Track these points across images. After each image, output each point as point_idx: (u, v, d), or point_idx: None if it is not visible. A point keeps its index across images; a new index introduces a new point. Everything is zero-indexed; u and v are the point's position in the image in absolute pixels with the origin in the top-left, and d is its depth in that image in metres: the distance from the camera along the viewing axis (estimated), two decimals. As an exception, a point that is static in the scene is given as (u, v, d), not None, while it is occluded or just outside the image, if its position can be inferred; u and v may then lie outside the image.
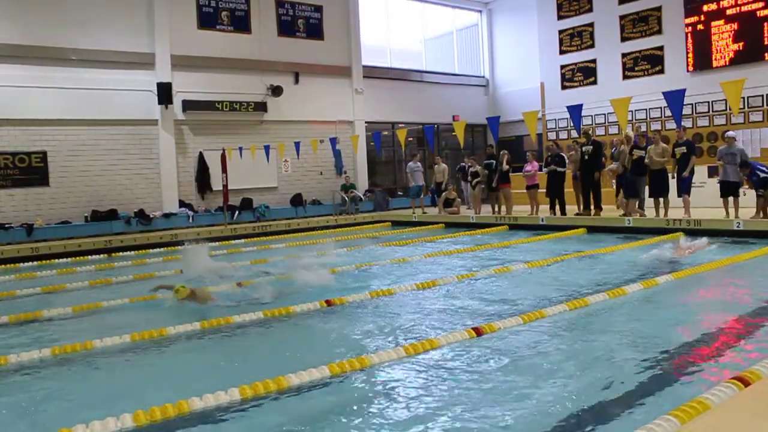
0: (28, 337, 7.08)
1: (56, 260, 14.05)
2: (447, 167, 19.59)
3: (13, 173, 16.79)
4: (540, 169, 16.95)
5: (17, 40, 16.76)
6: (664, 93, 11.85)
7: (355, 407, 4.60)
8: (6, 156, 16.68)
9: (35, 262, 13.85)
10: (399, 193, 24.35)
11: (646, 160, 13.81)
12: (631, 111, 18.75)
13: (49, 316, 8.13)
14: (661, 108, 19.89)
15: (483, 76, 27.95)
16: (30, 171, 17.02)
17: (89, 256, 14.46)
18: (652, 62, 21.05)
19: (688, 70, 19.94)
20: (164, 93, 18.48)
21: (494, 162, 17.25)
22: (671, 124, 18.54)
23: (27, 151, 16.98)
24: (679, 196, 13.85)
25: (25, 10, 16.97)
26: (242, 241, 16.54)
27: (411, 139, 24.88)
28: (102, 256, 14.60)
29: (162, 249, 15.39)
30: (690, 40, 19.91)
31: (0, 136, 16.64)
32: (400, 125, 23.06)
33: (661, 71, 20.77)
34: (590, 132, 16.60)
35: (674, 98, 11.52)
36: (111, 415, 4.31)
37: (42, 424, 4.27)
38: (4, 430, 4.36)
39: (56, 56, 17.29)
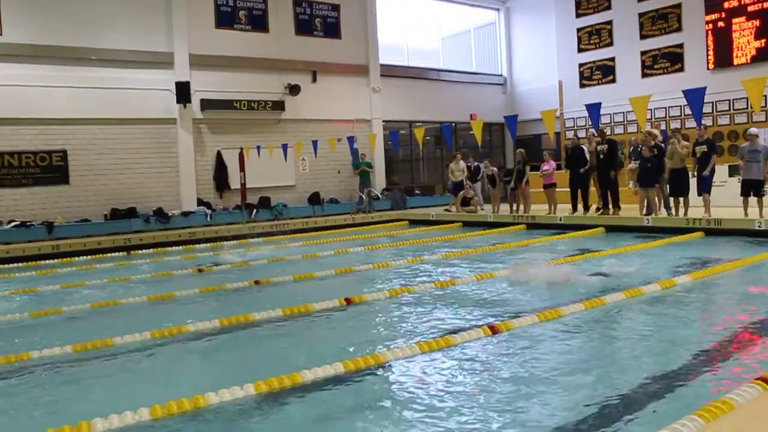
0: (49, 334, 7.16)
1: (76, 258, 14.18)
2: (466, 166, 19.50)
3: (34, 172, 16.97)
4: (558, 168, 16.84)
5: (38, 40, 16.93)
6: (684, 91, 11.73)
7: (370, 404, 4.61)
8: (27, 155, 16.86)
9: (56, 260, 13.97)
10: (416, 191, 24.32)
11: (668, 157, 13.69)
12: (650, 109, 18.60)
13: (69, 313, 8.22)
14: (680, 106, 19.72)
15: (501, 75, 27.86)
16: (50, 170, 17.20)
17: (108, 254, 14.58)
18: (672, 60, 20.88)
19: (708, 68, 19.76)
20: (182, 92, 18.58)
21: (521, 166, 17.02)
22: (691, 123, 18.37)
23: (48, 150, 17.16)
24: (699, 195, 13.72)
25: (45, 11, 17.13)
26: (260, 239, 16.60)
27: (429, 138, 24.84)
28: (121, 254, 14.72)
29: (180, 247, 15.48)
30: (710, 37, 19.72)
31: (21, 135, 16.83)
32: (417, 124, 23.04)
33: (681, 69, 20.60)
34: (606, 131, 16.47)
35: (694, 96, 11.41)
36: (128, 410, 4.35)
37: (63, 418, 4.31)
38: (26, 424, 4.40)
39: (76, 56, 17.45)
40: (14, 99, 16.55)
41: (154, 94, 18.62)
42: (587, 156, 15.66)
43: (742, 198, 13.05)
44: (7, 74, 16.50)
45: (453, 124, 21.05)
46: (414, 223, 19.09)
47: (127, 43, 18.23)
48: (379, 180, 22.99)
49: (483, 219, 17.58)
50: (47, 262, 13.81)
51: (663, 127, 19.44)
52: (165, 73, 18.82)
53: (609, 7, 22.54)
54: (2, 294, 9.97)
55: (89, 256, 14.33)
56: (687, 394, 4.45)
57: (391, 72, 23.97)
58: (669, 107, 20.45)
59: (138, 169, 18.50)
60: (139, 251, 14.93)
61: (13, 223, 16.15)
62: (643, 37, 21.64)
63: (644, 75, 21.59)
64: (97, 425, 4.19)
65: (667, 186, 14.09)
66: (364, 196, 20.78)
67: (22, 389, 5.34)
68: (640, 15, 21.63)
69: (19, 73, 16.67)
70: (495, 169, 18.49)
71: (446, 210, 19.45)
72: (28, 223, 16.26)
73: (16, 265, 13.47)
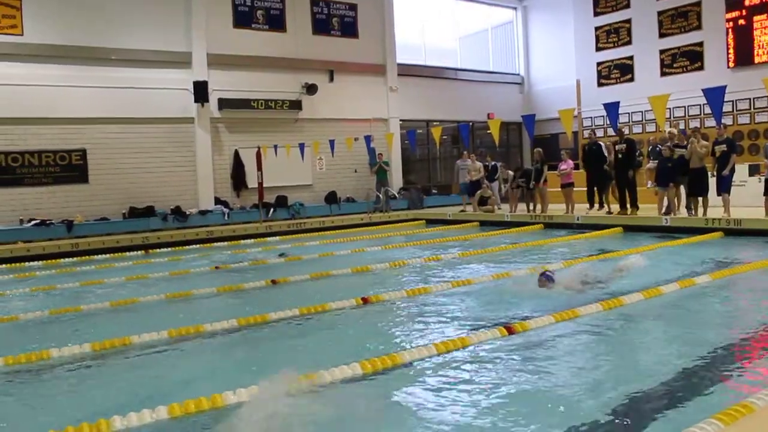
0: (68, 331, 7.23)
1: (95, 256, 14.30)
2: (482, 165, 19.43)
3: (54, 171, 17.14)
4: (575, 168, 16.75)
5: (58, 40, 17.11)
6: (703, 90, 11.62)
7: (387, 405, 4.61)
8: (48, 154, 17.03)
9: (75, 258, 14.11)
10: (433, 191, 24.28)
11: (688, 157, 13.57)
12: (669, 108, 18.43)
13: (87, 311, 8.29)
14: (700, 105, 19.55)
15: (518, 74, 27.76)
16: (70, 168, 17.36)
17: (127, 253, 14.68)
18: (691, 58, 20.70)
19: (728, 66, 19.57)
20: (200, 91, 18.68)
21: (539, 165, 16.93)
22: (711, 122, 18.20)
23: (67, 149, 17.32)
24: (719, 194, 13.58)
25: (65, 12, 17.29)
26: (277, 238, 16.65)
27: (446, 137, 24.80)
28: (139, 252, 14.82)
29: (198, 246, 15.56)
30: (731, 35, 19.53)
31: (42, 134, 16.99)
32: (434, 123, 23.03)
33: (701, 68, 20.42)
34: (624, 130, 16.33)
35: (714, 95, 11.29)
36: (147, 408, 4.38)
37: (82, 415, 4.35)
38: (46, 421, 4.44)
39: (96, 56, 17.60)
40: (35, 99, 16.71)
41: (172, 94, 18.73)
42: (605, 152, 15.55)
43: (765, 198, 12.88)
44: (28, 74, 16.68)
45: (470, 124, 20.99)
46: (431, 222, 19.06)
47: (146, 43, 18.36)
48: (395, 179, 22.99)
49: (500, 218, 17.52)
50: (66, 260, 13.93)
51: (682, 126, 19.28)
52: (183, 72, 18.93)
53: (628, 6, 22.39)
54: (23, 292, 10.07)
55: (108, 255, 14.45)
56: (706, 397, 4.41)
57: (408, 71, 23.96)
58: (688, 106, 20.28)
59: (156, 168, 18.62)
60: (157, 250, 15.02)
61: (34, 222, 16.32)
62: (662, 35, 21.47)
63: (663, 74, 21.42)
64: (116, 423, 4.23)
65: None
66: (381, 196, 20.78)
67: (41, 387, 5.40)
68: (659, 13, 21.47)
69: (40, 73, 16.84)
70: (510, 172, 18.42)
71: (462, 210, 19.39)
72: (48, 222, 16.42)
73: (36, 263, 13.61)
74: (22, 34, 16.68)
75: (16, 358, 6.02)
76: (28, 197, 16.82)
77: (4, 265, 13.33)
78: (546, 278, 8.00)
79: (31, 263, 13.57)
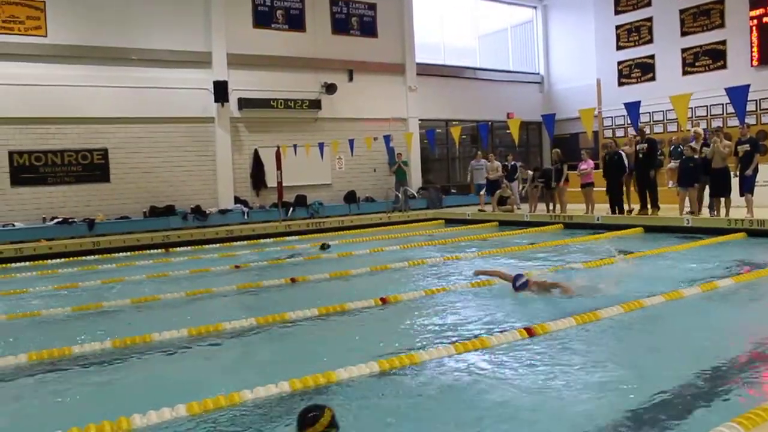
0: (90, 328, 7.28)
1: (116, 254, 14.42)
2: (500, 165, 19.36)
3: (76, 170, 17.33)
4: (595, 168, 16.64)
5: (80, 41, 17.29)
6: (726, 89, 11.49)
7: (405, 404, 4.60)
8: (70, 153, 17.22)
9: (96, 256, 14.24)
10: (452, 190, 24.22)
11: (710, 156, 13.43)
12: (691, 108, 18.24)
13: (109, 308, 8.36)
14: (722, 104, 19.33)
15: (538, 73, 27.64)
16: (92, 167, 17.54)
17: (147, 251, 14.79)
18: (714, 57, 20.48)
19: (752, 65, 19.35)
20: (220, 91, 18.79)
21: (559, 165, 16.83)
22: (734, 121, 18.00)
23: (89, 149, 17.50)
24: (742, 195, 13.43)
25: (87, 13, 17.47)
26: (296, 237, 16.69)
27: (465, 136, 24.73)
28: (159, 250, 14.92)
29: (217, 245, 15.63)
30: (755, 33, 19.29)
31: (65, 134, 17.18)
32: (454, 123, 22.99)
33: (724, 66, 20.20)
34: (645, 130, 16.19)
35: (737, 94, 11.15)
36: (166, 406, 4.41)
37: (102, 413, 4.39)
38: (67, 418, 4.48)
39: (117, 56, 17.76)
40: (57, 99, 16.91)
41: (192, 93, 18.85)
42: (626, 162, 15.34)
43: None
44: (51, 74, 16.88)
45: (489, 123, 20.93)
46: (450, 222, 19.01)
47: (167, 43, 18.50)
48: (415, 179, 22.97)
49: (519, 218, 17.44)
50: (88, 258, 14.07)
51: (703, 125, 19.08)
52: (203, 72, 19.05)
53: (649, 4, 22.20)
54: (45, 289, 10.18)
55: (128, 253, 14.56)
56: (727, 400, 4.36)
57: (427, 71, 23.93)
58: (710, 105, 20.07)
59: (176, 168, 18.76)
60: (177, 248, 15.12)
61: (56, 220, 16.52)
62: (684, 33, 21.26)
63: (685, 72, 21.21)
64: (136, 420, 4.26)
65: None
66: (400, 195, 20.77)
67: (63, 383, 5.44)
68: (681, 11, 21.26)
69: (62, 73, 17.03)
70: (530, 172, 18.34)
71: (480, 210, 19.32)
72: (70, 220, 16.60)
73: (58, 260, 13.74)
74: (45, 35, 16.89)
75: (39, 354, 6.09)
76: (51, 196, 17.02)
77: (27, 263, 13.49)
78: (520, 287, 7.69)
79: (54, 261, 13.70)
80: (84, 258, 14.03)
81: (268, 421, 4.36)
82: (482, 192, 19.52)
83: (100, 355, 6.17)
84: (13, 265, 13.34)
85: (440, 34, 25.35)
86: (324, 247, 13.43)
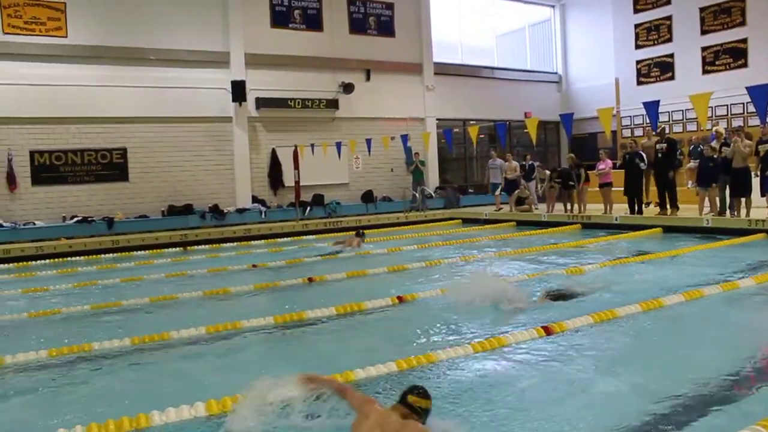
0: (109, 326, 7.35)
1: (135, 253, 14.53)
2: (518, 165, 19.26)
3: (96, 169, 17.47)
4: (614, 167, 16.52)
5: (100, 41, 17.43)
6: (747, 88, 11.36)
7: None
8: (90, 153, 17.37)
9: (115, 254, 14.36)
10: (470, 190, 24.16)
11: (730, 156, 13.29)
12: (711, 107, 18.08)
13: (127, 306, 8.42)
14: (743, 104, 19.14)
15: (556, 72, 27.51)
16: (111, 167, 17.68)
17: (165, 250, 14.89)
18: (735, 56, 20.28)
19: (773, 63, 19.13)
20: (238, 91, 18.87)
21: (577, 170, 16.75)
22: (755, 121, 17.82)
23: (109, 148, 17.64)
24: (763, 195, 13.29)
25: (107, 14, 17.60)
26: (313, 237, 16.72)
27: (482, 136, 24.66)
28: (178, 249, 15.01)
29: (235, 243, 15.70)
30: (777, 31, 19.09)
31: (85, 133, 17.33)
32: (471, 122, 22.93)
33: (745, 65, 20.00)
34: (665, 129, 16.05)
35: (759, 93, 11.01)
36: (185, 403, 4.44)
37: (121, 410, 4.43)
38: (86, 415, 4.52)
39: (136, 56, 17.89)
40: (77, 98, 17.05)
41: (210, 93, 18.94)
42: (644, 165, 15.16)
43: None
44: (71, 74, 17.03)
45: (507, 123, 20.86)
46: (467, 221, 18.96)
47: (185, 43, 18.60)
48: (432, 178, 22.94)
49: (537, 218, 17.37)
50: (107, 256, 14.20)
51: (723, 125, 18.90)
52: (221, 72, 19.13)
53: (668, 2, 22.02)
54: (65, 287, 10.28)
55: (147, 252, 14.67)
56: (748, 404, 4.32)
57: (444, 70, 23.88)
58: (731, 105, 19.88)
59: (194, 167, 18.85)
60: (195, 247, 15.21)
61: (76, 219, 16.66)
62: (704, 32, 21.08)
63: (705, 71, 21.02)
64: (155, 417, 4.29)
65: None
66: (417, 195, 20.75)
67: (82, 380, 5.50)
68: (701, 9, 21.07)
69: (83, 73, 17.18)
70: (547, 172, 18.26)
71: (496, 209, 19.24)
72: (90, 219, 16.74)
73: (78, 258, 13.87)
74: (66, 36, 17.04)
75: (59, 350, 6.16)
76: (71, 195, 17.17)
77: (47, 261, 13.63)
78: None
79: (74, 259, 13.84)
80: (103, 256, 14.16)
81: (286, 420, 4.37)
82: (497, 192, 19.43)
83: (119, 351, 6.22)
84: (34, 263, 13.49)
85: (458, 34, 25.30)
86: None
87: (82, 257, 14.03)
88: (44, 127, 16.84)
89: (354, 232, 14.38)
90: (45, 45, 16.78)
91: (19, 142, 16.56)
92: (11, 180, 16.33)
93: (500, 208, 19.22)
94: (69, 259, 13.86)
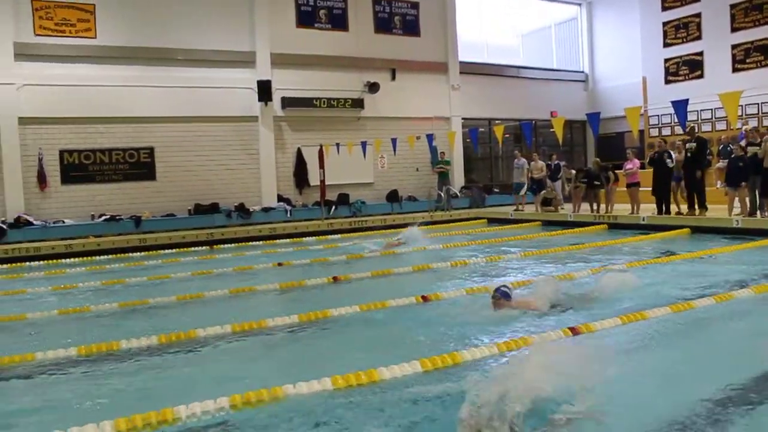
0: (136, 324, 7.42)
1: (162, 251, 14.68)
2: (544, 164, 19.12)
3: (123, 168, 17.68)
4: (642, 167, 16.34)
5: (128, 42, 17.63)
6: (778, 86, 11.20)
7: (447, 404, 4.58)
8: (117, 152, 17.58)
9: (143, 253, 14.51)
10: (495, 190, 24.05)
11: (761, 156, 13.08)
12: (741, 106, 17.81)
13: (154, 304, 8.50)
14: (774, 102, 18.86)
15: (582, 71, 27.28)
16: (138, 166, 17.87)
17: (192, 248, 15.01)
18: (766, 53, 19.95)
19: (806, 62, 18.82)
20: (264, 90, 18.98)
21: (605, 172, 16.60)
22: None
23: (136, 147, 17.84)
24: (794, 195, 13.07)
25: (135, 15, 17.80)
26: (338, 236, 16.75)
27: (508, 135, 24.53)
28: (204, 247, 15.13)
29: (261, 242, 15.79)
30: (809, 28, 18.77)
31: (113, 133, 17.54)
32: (496, 121, 22.83)
33: (776, 63, 19.69)
34: (695, 128, 15.84)
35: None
36: (209, 399, 4.47)
37: (149, 405, 4.47)
38: (115, 410, 4.57)
39: (163, 56, 18.07)
40: (106, 99, 17.27)
41: (236, 93, 19.07)
42: (671, 165, 14.95)
43: None
44: (100, 75, 17.26)
45: (533, 122, 20.72)
46: (493, 221, 18.88)
47: (212, 44, 18.74)
48: (457, 178, 22.88)
49: (563, 218, 17.24)
50: (135, 254, 14.35)
51: (754, 123, 18.61)
52: (247, 71, 19.25)
53: (697, 0, 21.74)
54: (94, 285, 10.40)
55: (174, 250, 14.81)
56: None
57: (470, 69, 23.80)
58: (762, 103, 19.56)
59: (220, 166, 18.99)
60: (222, 246, 15.31)
61: (104, 217, 16.87)
62: (734, 29, 20.77)
63: (735, 69, 20.71)
64: (181, 412, 4.33)
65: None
66: (442, 194, 20.71)
67: (111, 377, 5.56)
68: (732, 6, 20.77)
69: (111, 74, 17.39)
70: (573, 171, 18.11)
71: (515, 209, 19.13)
72: (118, 217, 16.94)
73: (106, 257, 14.04)
74: (95, 37, 17.27)
75: (88, 347, 6.23)
76: (99, 193, 17.39)
77: (76, 259, 13.81)
78: (501, 295, 6.96)
79: (102, 257, 14.02)
80: (131, 255, 14.32)
81: (309, 417, 4.39)
82: (522, 192, 19.31)
83: (147, 349, 6.28)
84: (64, 260, 13.68)
85: (483, 33, 25.20)
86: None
87: (110, 255, 14.20)
88: (73, 127, 17.08)
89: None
90: (75, 46, 17.02)
91: (49, 141, 16.81)
92: (42, 179, 16.59)
93: (518, 208, 19.11)
94: (97, 257, 14.03)
